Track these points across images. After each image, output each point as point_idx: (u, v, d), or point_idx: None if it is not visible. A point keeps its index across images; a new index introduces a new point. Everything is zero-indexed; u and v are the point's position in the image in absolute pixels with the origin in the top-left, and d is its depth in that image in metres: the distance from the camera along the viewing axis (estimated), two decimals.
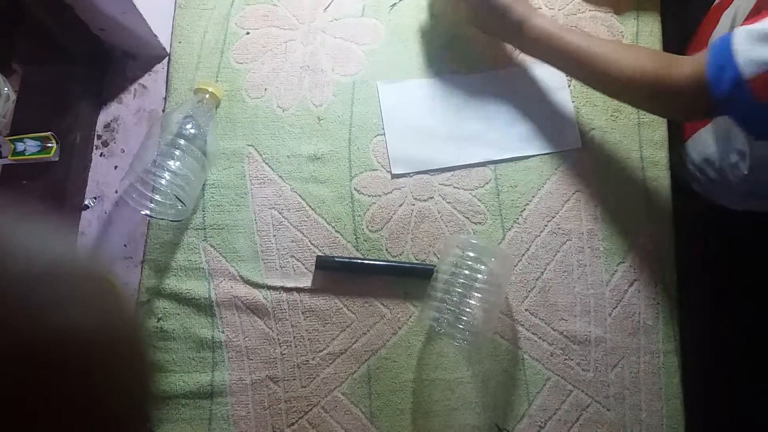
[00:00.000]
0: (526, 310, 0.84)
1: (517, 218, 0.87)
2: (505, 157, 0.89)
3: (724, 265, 1.17)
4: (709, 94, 0.65)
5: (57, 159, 0.76)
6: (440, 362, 0.83)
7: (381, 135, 0.90)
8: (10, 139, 0.78)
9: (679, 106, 0.71)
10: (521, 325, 0.84)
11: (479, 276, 0.78)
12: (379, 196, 0.88)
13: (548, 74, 0.92)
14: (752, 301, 1.20)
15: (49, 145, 0.76)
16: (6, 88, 0.83)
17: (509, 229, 0.87)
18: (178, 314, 0.84)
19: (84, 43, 0.90)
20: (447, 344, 0.83)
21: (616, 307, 0.85)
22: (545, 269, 0.85)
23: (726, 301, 1.18)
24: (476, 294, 0.76)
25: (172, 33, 0.95)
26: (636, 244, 0.86)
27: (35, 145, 0.76)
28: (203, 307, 0.84)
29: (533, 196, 0.88)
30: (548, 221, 0.87)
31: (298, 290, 0.85)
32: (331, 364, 0.83)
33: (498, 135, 0.90)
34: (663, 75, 0.69)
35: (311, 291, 0.85)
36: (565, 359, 0.83)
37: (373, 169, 0.89)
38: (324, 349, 0.83)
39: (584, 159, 0.89)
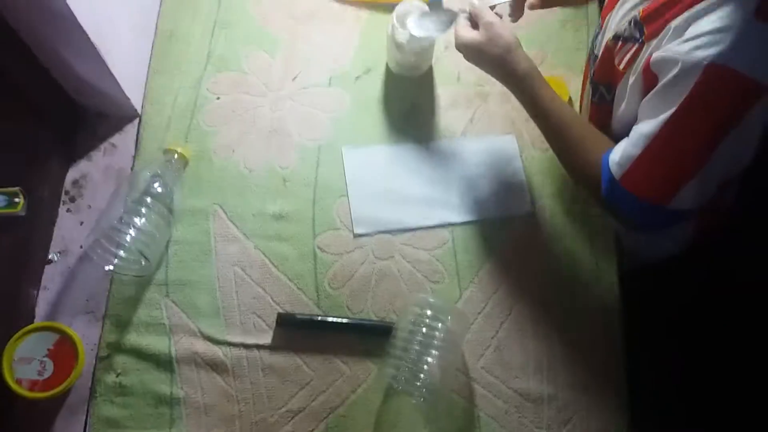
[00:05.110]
0: (482, 368, 0.86)
1: (473, 278, 0.90)
2: (462, 220, 0.93)
3: (673, 324, 1.22)
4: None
5: (24, 214, 0.77)
6: (398, 421, 0.84)
7: (344, 196, 0.93)
8: None
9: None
10: (477, 383, 0.86)
11: (437, 334, 0.80)
12: (342, 254, 0.90)
13: (501, 144, 0.98)
14: (720, 357, 1.23)
15: (17, 200, 0.77)
16: None
17: (466, 289, 0.90)
18: (138, 369, 0.84)
19: (57, 102, 0.93)
20: (405, 402, 0.84)
21: (568, 364, 0.87)
22: (500, 328, 0.88)
23: (678, 358, 1.22)
24: (434, 351, 0.79)
25: (144, 95, 0.99)
26: (586, 303, 0.90)
27: (2, 200, 0.77)
28: (163, 362, 0.84)
29: (488, 257, 0.92)
30: (503, 280, 0.90)
31: (258, 347, 0.85)
32: (289, 422, 0.83)
33: (455, 199, 0.95)
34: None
35: (271, 348, 0.86)
36: (519, 417, 0.85)
37: (336, 229, 0.92)
38: (283, 406, 0.83)
39: (535, 223, 0.94)
